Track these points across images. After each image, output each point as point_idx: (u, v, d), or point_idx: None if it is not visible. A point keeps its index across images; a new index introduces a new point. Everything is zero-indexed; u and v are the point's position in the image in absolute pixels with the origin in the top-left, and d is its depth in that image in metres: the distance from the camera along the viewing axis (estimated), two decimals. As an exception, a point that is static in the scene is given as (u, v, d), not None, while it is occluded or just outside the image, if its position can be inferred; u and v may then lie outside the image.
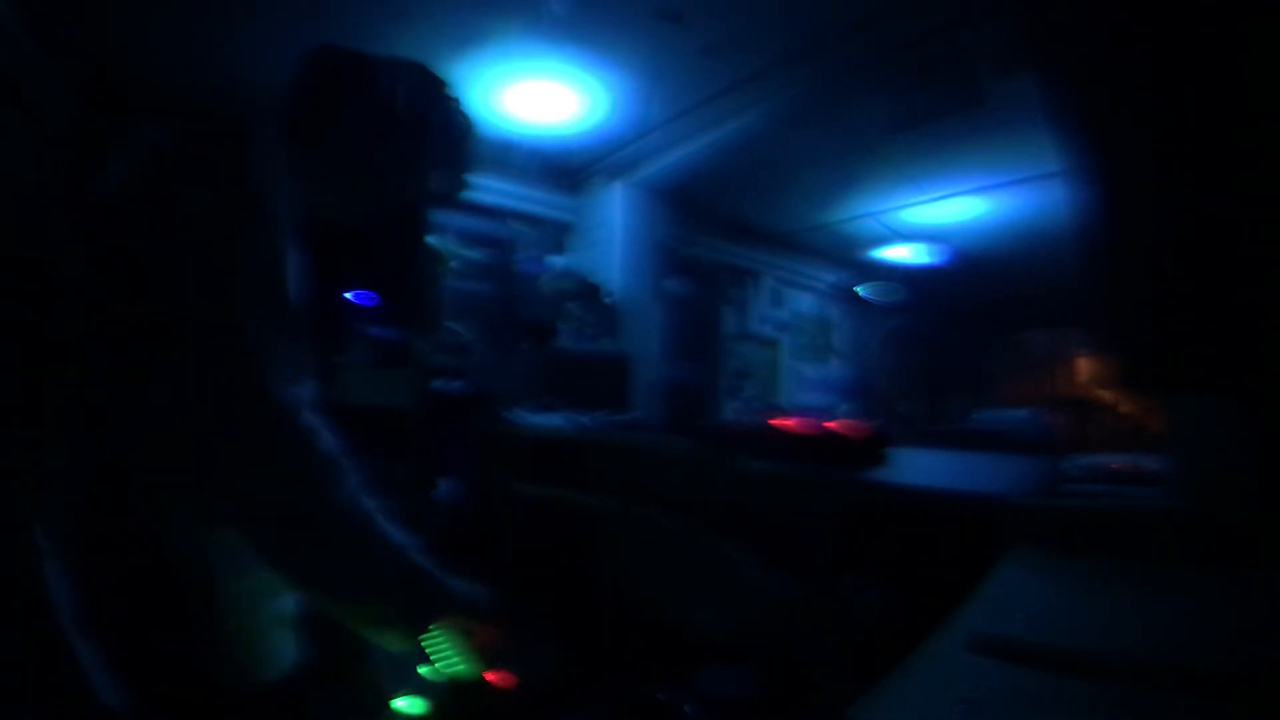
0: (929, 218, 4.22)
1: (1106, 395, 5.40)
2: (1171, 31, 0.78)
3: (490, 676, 1.07)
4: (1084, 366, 5.93)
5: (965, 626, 0.67)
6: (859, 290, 5.69)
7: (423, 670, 1.06)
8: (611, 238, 3.72)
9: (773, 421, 1.59)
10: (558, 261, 3.65)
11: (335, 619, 0.76)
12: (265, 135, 0.74)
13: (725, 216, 4.42)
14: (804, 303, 5.47)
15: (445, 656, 0.87)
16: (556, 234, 3.85)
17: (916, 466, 1.50)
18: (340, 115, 0.87)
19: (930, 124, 2.69)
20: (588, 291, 3.49)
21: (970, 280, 5.23)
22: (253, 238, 0.68)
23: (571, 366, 3.19)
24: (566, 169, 3.73)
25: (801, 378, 5.36)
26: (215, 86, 2.49)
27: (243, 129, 0.73)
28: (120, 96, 2.47)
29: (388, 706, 0.98)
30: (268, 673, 0.77)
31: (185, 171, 0.71)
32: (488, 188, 3.54)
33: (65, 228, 0.74)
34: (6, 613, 0.62)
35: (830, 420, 1.55)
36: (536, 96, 2.84)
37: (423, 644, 0.78)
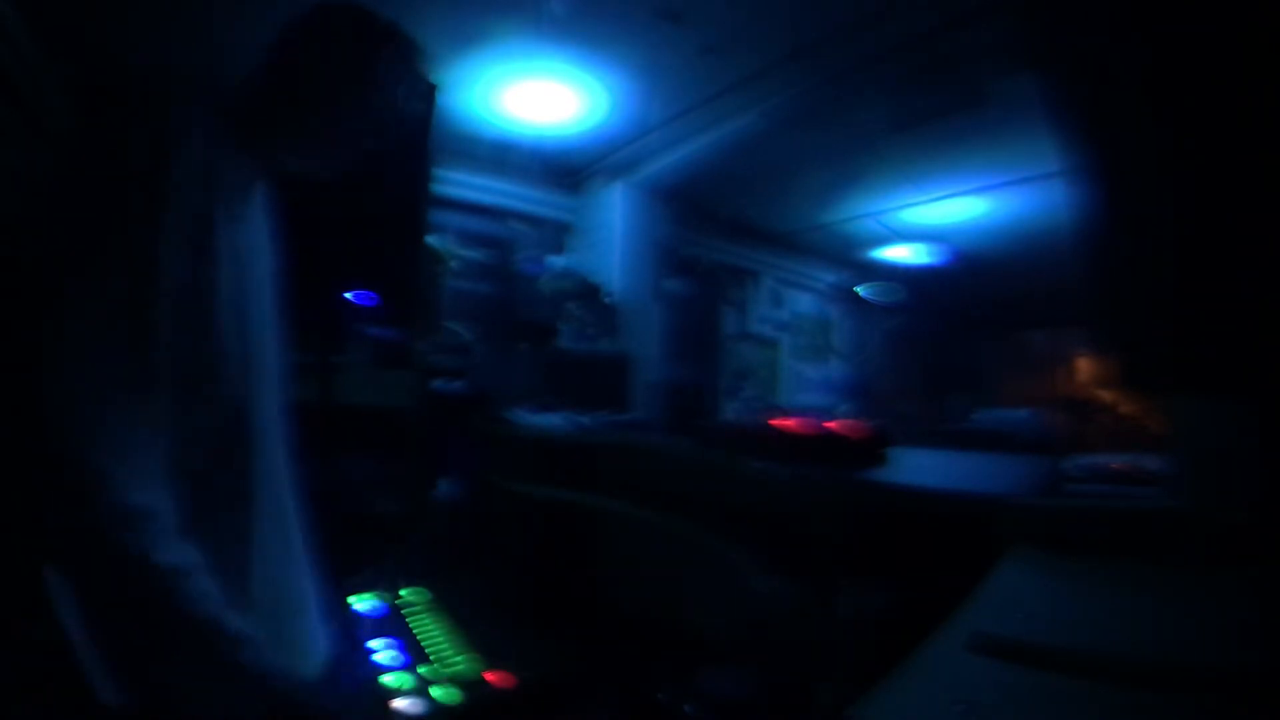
0: (929, 218, 4.22)
1: (1106, 395, 5.39)
2: (1172, 30, 0.78)
3: (490, 676, 1.07)
4: (1084, 366, 5.92)
5: (965, 626, 0.67)
6: (859, 290, 5.68)
7: (423, 670, 1.06)
8: (611, 238, 3.71)
9: (773, 422, 1.59)
10: (558, 261, 3.64)
11: None
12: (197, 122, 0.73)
13: (725, 216, 4.42)
14: (804, 303, 5.47)
15: (445, 657, 0.87)
16: (556, 234, 3.85)
17: (916, 466, 1.50)
18: (324, 65, 0.86)
19: (930, 124, 2.69)
20: (588, 291, 3.48)
21: (970, 280, 5.23)
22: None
23: (571, 366, 3.19)
24: (566, 169, 3.72)
25: (801, 378, 5.36)
26: (214, 87, 2.48)
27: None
28: (120, 97, 2.47)
29: (388, 706, 0.98)
30: None
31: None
32: (488, 188, 3.54)
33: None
34: (6, 613, 0.62)
35: (830, 420, 1.55)
36: (536, 96, 2.84)
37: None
